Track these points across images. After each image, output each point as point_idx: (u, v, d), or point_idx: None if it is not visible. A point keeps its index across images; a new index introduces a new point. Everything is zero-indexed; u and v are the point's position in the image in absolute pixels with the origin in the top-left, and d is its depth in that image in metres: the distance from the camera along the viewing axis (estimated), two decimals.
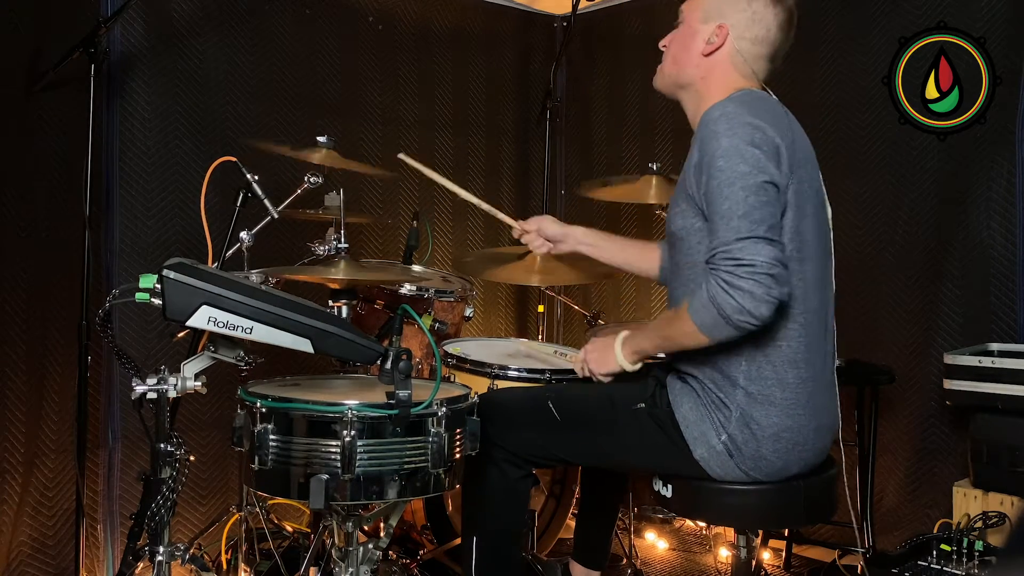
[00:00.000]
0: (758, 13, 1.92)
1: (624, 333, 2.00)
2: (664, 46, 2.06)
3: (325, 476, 1.63)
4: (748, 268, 1.67)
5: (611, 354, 2.00)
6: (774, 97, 1.95)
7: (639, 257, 2.30)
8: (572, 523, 2.61)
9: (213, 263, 2.20)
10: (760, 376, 1.82)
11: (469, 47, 3.86)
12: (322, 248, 2.41)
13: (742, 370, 1.83)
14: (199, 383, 1.75)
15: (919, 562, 2.36)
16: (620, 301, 3.93)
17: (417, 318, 1.82)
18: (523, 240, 2.39)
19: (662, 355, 2.02)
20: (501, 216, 2.44)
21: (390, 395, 1.65)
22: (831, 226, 1.96)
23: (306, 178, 2.47)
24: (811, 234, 1.84)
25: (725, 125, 1.78)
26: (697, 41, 1.96)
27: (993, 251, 2.81)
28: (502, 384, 2.33)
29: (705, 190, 1.79)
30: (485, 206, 2.43)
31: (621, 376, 2.04)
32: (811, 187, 1.86)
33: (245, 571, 2.50)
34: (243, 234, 2.31)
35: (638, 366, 2.00)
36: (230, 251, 2.33)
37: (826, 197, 1.94)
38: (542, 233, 2.34)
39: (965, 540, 2.34)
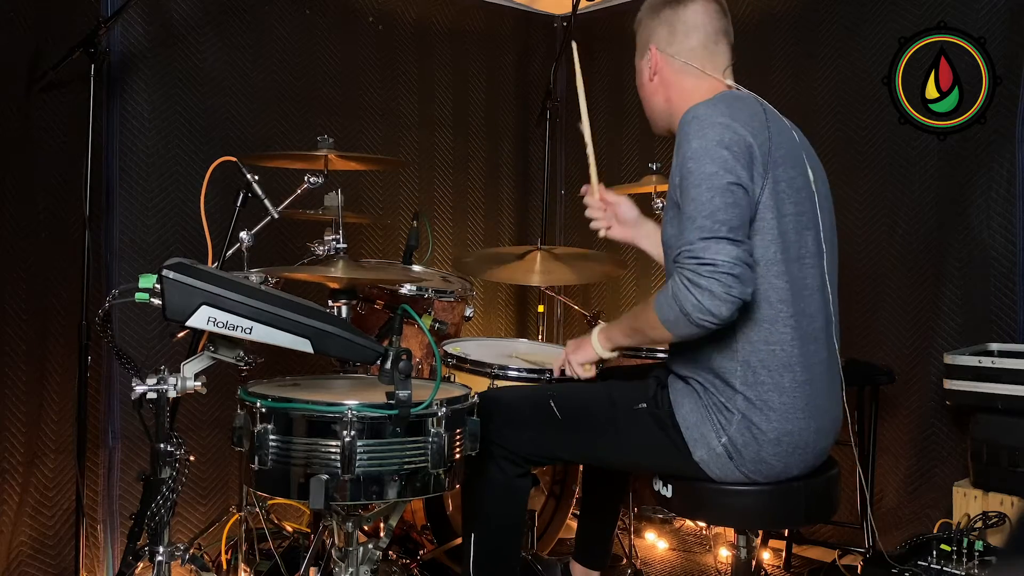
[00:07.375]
0: (668, 18, 2.01)
1: (602, 324, 2.08)
2: None
3: (325, 476, 1.63)
4: (710, 267, 1.69)
5: (588, 343, 2.06)
6: (749, 94, 1.95)
7: None
8: (572, 523, 2.61)
9: (213, 263, 2.20)
10: (756, 381, 1.82)
11: (469, 47, 3.86)
12: (321, 248, 2.42)
13: (738, 376, 1.83)
14: (199, 383, 1.75)
15: (919, 562, 2.36)
16: (620, 301, 3.92)
17: (417, 318, 1.82)
18: (588, 206, 2.29)
19: (633, 344, 2.03)
20: (592, 172, 2.27)
21: (390, 395, 1.65)
22: (826, 225, 1.93)
23: (306, 178, 2.47)
24: (795, 234, 1.84)
25: (696, 127, 1.81)
26: (644, 76, 2.08)
27: (993, 251, 2.80)
28: (502, 384, 2.33)
29: (680, 192, 1.81)
30: (590, 149, 2.26)
31: (622, 376, 2.04)
32: (791, 186, 1.84)
33: (245, 571, 2.50)
34: (243, 234, 2.31)
35: (614, 354, 2.06)
36: (230, 251, 2.32)
37: (820, 196, 1.92)
38: (616, 210, 2.29)
39: (965, 540, 2.34)
